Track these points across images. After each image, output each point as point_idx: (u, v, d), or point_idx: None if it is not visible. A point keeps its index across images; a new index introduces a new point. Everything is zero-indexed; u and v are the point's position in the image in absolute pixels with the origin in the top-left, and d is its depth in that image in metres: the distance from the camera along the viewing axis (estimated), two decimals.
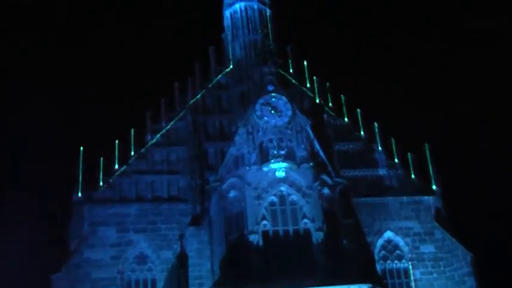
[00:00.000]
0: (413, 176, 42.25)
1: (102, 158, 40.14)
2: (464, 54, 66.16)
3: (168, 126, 42.38)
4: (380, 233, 40.06)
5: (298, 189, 35.24)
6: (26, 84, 62.48)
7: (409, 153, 42.67)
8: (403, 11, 73.24)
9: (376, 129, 43.55)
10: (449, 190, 41.99)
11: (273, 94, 37.83)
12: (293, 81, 44.95)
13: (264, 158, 35.94)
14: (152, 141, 41.67)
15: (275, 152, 35.93)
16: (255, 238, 33.79)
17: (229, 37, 46.10)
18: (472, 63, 65.90)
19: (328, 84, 45.08)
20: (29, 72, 65.67)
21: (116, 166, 40.35)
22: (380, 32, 70.24)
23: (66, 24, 69.78)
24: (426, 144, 42.79)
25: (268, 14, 46.96)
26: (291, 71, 45.48)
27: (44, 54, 67.27)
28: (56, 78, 65.13)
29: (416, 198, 41.21)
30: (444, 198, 41.39)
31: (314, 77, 45.27)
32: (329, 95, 44.84)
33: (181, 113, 42.80)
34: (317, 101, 44.39)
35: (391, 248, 40.07)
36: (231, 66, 45.05)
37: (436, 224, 40.39)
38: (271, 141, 36.40)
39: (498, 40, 64.76)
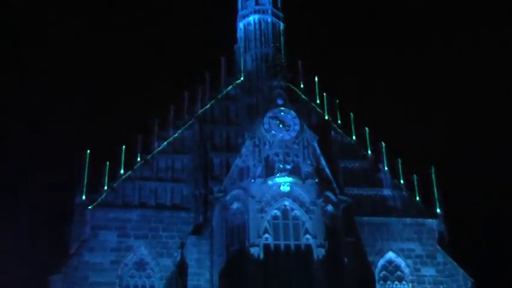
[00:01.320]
0: (417, 198, 42.46)
1: (108, 163, 40.53)
2: (475, 77, 66.08)
3: (175, 134, 42.69)
4: (381, 253, 40.31)
5: (302, 205, 35.41)
6: (38, 86, 62.57)
7: (414, 175, 42.93)
8: (416, 31, 73.30)
9: (383, 149, 43.77)
10: (453, 214, 42.42)
11: (282, 108, 38.14)
12: (302, 96, 45.29)
13: (270, 171, 36.19)
14: (158, 149, 41.99)
15: (281, 166, 36.20)
16: (256, 251, 33.93)
17: (242, 49, 46.49)
18: (484, 86, 65.87)
19: (337, 101, 45.47)
20: (42, 74, 65.82)
21: (121, 171, 40.66)
22: (393, 52, 70.24)
23: (78, 26, 69.87)
24: (432, 167, 43.03)
25: (281, 28, 47.45)
26: (301, 86, 45.74)
27: (54, 55, 67.39)
28: (68, 81, 65.12)
29: (420, 220, 41.46)
30: (447, 222, 41.66)
31: (324, 93, 45.64)
32: (338, 112, 45.19)
33: (189, 122, 43.08)
34: (326, 117, 44.63)
35: (392, 268, 40.30)
36: (242, 78, 45.40)
37: (438, 247, 40.60)
38: (277, 155, 36.68)
39: None
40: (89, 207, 38.85)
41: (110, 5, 71.68)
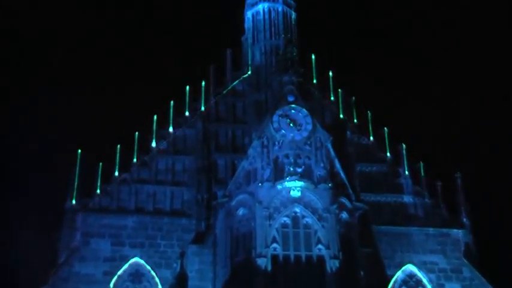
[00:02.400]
0: (441, 205, 42.06)
1: (101, 163, 40.36)
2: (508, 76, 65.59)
3: (176, 133, 42.58)
4: (401, 266, 39.86)
5: (314, 212, 34.98)
6: (24, 81, 62.57)
7: (438, 180, 42.54)
8: (445, 24, 72.84)
9: (404, 151, 43.46)
10: (481, 224, 41.94)
11: (293, 106, 37.80)
12: (316, 93, 45.02)
13: (279, 174, 35.78)
14: (157, 148, 41.82)
15: (291, 169, 35.79)
16: (263, 262, 33.49)
17: (249, 40, 46.46)
18: None
19: (354, 98, 45.21)
20: (28, 69, 65.80)
21: (116, 173, 40.50)
22: (416, 45, 69.77)
23: (67, 21, 69.95)
24: (458, 171, 42.77)
25: (293, 17, 47.39)
26: (314, 81, 45.55)
27: (44, 51, 67.42)
28: (56, 73, 64.92)
29: (444, 230, 40.97)
30: (475, 232, 41.24)
31: (339, 90, 45.35)
32: (354, 110, 44.96)
33: (192, 120, 43.00)
34: (341, 116, 44.43)
35: (412, 283, 39.70)
36: (249, 72, 45.29)
37: (465, 260, 40.06)
38: (287, 156, 36.26)
39: None
40: (80, 212, 38.50)
41: None
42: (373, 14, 73.53)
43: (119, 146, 40.97)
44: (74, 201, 38.97)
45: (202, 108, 43.40)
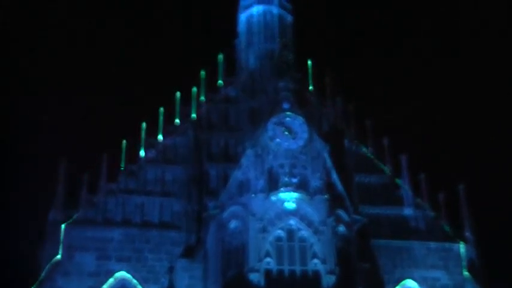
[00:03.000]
0: (444, 219, 42.13)
1: (86, 173, 40.28)
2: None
3: (166, 141, 42.63)
4: (401, 281, 39.93)
5: (310, 224, 34.98)
6: (6, 89, 62.56)
7: (440, 193, 42.58)
8: (447, 32, 73.22)
9: (404, 162, 43.46)
10: (485, 238, 42.00)
11: (288, 113, 37.88)
12: (312, 100, 45.09)
13: (273, 185, 35.82)
14: (146, 157, 41.87)
15: (286, 179, 35.84)
16: (255, 277, 33.49)
17: (243, 44, 46.78)
18: None
19: (351, 106, 45.26)
20: (11, 75, 65.79)
21: (102, 183, 40.37)
22: (418, 53, 70.16)
23: (55, 28, 70.23)
24: (461, 184, 42.77)
25: (289, 20, 47.67)
26: (311, 88, 45.72)
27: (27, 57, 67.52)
28: (40, 80, 64.95)
29: (446, 245, 41.11)
30: (479, 247, 41.25)
31: (337, 97, 45.44)
32: (352, 118, 45.06)
33: (182, 127, 43.07)
34: (338, 124, 44.40)
35: None
36: (243, 78, 45.37)
37: (468, 276, 40.17)
38: (282, 166, 36.32)
39: None
40: (64, 224, 38.35)
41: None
42: (374, 18, 73.85)
43: (105, 154, 40.93)
44: (57, 213, 38.80)
45: (194, 115, 43.44)
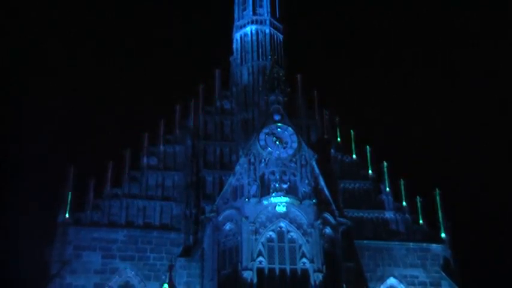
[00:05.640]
0: (421, 221, 42.17)
1: (93, 179, 40.35)
2: (482, 96, 66.16)
3: (166, 150, 42.67)
4: (383, 279, 39.92)
5: (299, 227, 34.93)
6: (23, 96, 62.32)
7: (418, 197, 42.65)
8: (423, 47, 73.48)
9: (385, 169, 43.58)
10: (460, 239, 42.01)
11: (279, 124, 37.94)
12: (301, 112, 45.17)
13: (265, 190, 35.79)
14: (148, 165, 41.86)
15: (277, 185, 35.74)
16: (249, 275, 33.36)
17: (238, 61, 46.80)
18: (491, 106, 66.03)
19: (337, 118, 45.37)
20: (28, 84, 65.63)
21: (107, 188, 40.47)
22: (397, 68, 70.35)
23: (64, 35, 70.16)
24: (437, 189, 42.71)
25: (280, 39, 47.78)
26: (299, 101, 45.64)
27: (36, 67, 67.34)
28: (53, 89, 64.79)
29: (424, 245, 41.15)
30: (454, 247, 41.24)
31: (324, 110, 45.60)
32: (338, 129, 45.10)
33: (181, 137, 43.07)
34: (325, 135, 44.52)
35: None
36: (237, 91, 45.44)
37: (444, 274, 40.16)
38: (273, 173, 36.34)
39: None
40: (72, 226, 38.40)
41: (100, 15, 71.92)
42: (357, 36, 74.17)
43: (110, 162, 41.00)
44: (66, 216, 38.78)
45: (191, 126, 43.43)
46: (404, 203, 42.65)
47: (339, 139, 44.70)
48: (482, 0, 68.41)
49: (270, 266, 33.97)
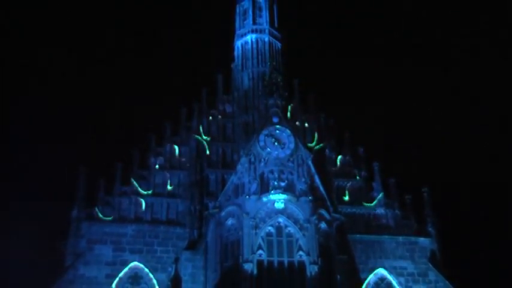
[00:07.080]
0: (410, 217, 42.49)
1: (103, 178, 40.78)
2: (473, 97, 66.50)
3: (172, 150, 42.99)
4: (374, 270, 40.31)
5: (296, 222, 35.45)
6: (36, 96, 62.78)
7: (407, 195, 42.99)
8: (415, 52, 73.82)
9: (377, 168, 43.95)
10: (445, 233, 42.39)
11: (277, 126, 38.46)
12: (298, 115, 45.47)
13: (264, 188, 36.32)
14: (155, 164, 42.19)
15: (275, 183, 36.32)
16: (249, 267, 33.89)
17: (239, 67, 47.06)
18: (481, 106, 66.39)
19: (332, 120, 45.71)
20: (42, 84, 66.18)
21: (117, 186, 40.80)
22: (390, 73, 70.64)
23: (75, 38, 70.55)
24: (425, 188, 43.10)
25: (278, 47, 48.15)
26: (297, 104, 46.01)
27: (51, 68, 67.87)
28: (66, 93, 65.37)
29: (413, 239, 41.43)
30: (439, 240, 41.65)
31: (319, 113, 45.87)
32: (332, 130, 45.36)
33: (186, 138, 43.40)
34: (320, 136, 44.94)
35: (384, 286, 40.21)
36: (238, 96, 45.81)
37: (430, 265, 40.57)
38: (272, 172, 36.88)
39: None
40: (85, 221, 38.89)
41: (108, 19, 72.35)
42: (352, 43, 74.50)
43: (119, 161, 41.54)
44: (79, 211, 39.28)
45: (195, 128, 43.65)
46: (394, 200, 42.83)
47: (333, 140, 44.86)
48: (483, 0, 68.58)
49: (269, 258, 34.50)
